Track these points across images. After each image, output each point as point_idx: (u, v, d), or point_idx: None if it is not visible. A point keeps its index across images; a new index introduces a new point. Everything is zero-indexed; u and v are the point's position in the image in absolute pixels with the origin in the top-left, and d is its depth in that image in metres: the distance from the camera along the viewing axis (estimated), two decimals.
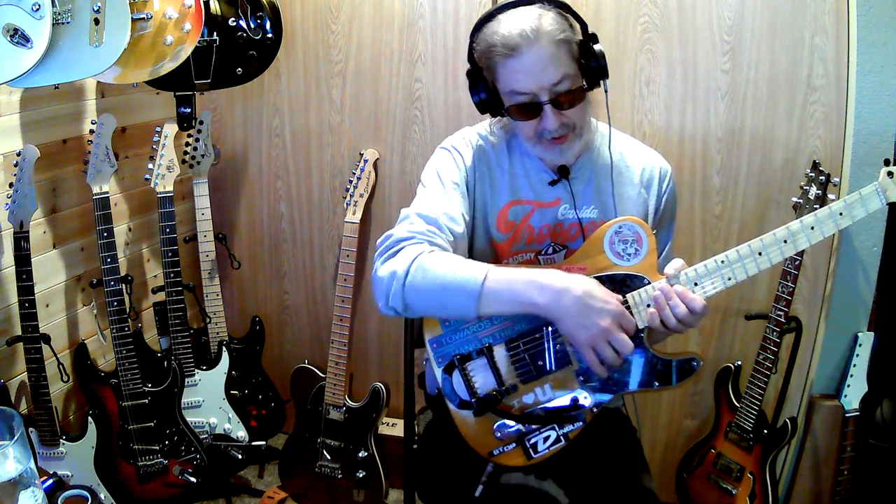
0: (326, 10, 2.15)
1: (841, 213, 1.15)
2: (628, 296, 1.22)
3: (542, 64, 1.19)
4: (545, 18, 1.19)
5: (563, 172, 1.33)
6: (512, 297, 1.14)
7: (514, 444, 1.25)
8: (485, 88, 1.28)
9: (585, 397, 1.24)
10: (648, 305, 1.21)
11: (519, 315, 1.24)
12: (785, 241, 1.17)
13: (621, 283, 1.23)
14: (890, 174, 1.13)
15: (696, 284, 1.20)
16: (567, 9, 1.23)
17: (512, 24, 1.19)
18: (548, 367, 1.25)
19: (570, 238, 1.36)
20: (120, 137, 2.05)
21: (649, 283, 1.22)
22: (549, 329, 1.25)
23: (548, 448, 1.24)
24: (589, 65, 1.23)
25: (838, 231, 1.85)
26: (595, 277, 1.24)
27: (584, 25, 1.24)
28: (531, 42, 1.17)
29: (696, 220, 1.98)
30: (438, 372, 1.29)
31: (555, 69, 1.19)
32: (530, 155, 1.35)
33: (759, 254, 1.18)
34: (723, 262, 1.19)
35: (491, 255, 1.37)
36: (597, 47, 1.22)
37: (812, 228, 1.16)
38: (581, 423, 1.24)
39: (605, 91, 1.26)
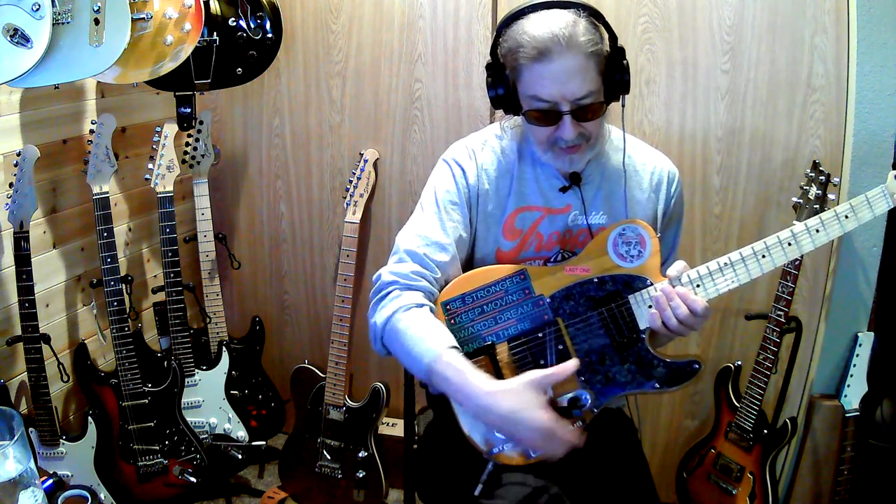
0: (326, 10, 2.15)
1: (846, 216, 1.14)
2: (630, 296, 1.23)
3: (569, 74, 1.15)
4: (579, 26, 1.15)
5: (574, 179, 1.32)
6: (448, 391, 1.17)
7: (513, 443, 1.25)
8: (503, 85, 1.24)
9: (585, 397, 1.24)
10: (650, 306, 1.21)
11: (522, 314, 1.26)
12: (789, 244, 1.17)
13: (624, 284, 1.24)
14: None
15: (698, 286, 1.20)
16: (600, 18, 1.19)
17: (544, 26, 1.14)
18: (549, 366, 1.25)
19: (580, 244, 1.35)
20: (120, 137, 2.05)
21: (651, 284, 1.23)
22: (551, 328, 1.25)
23: None
24: (613, 77, 1.20)
25: (844, 233, 1.86)
26: (598, 278, 1.24)
27: (613, 36, 1.21)
28: (562, 49, 1.13)
29: (696, 220, 1.98)
30: None
31: (581, 82, 1.16)
32: (541, 160, 1.34)
33: (763, 256, 1.18)
34: (725, 264, 1.19)
35: (496, 264, 1.36)
36: (624, 62, 1.20)
37: (817, 231, 1.16)
38: (581, 423, 1.24)
39: (623, 105, 1.24)
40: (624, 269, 1.24)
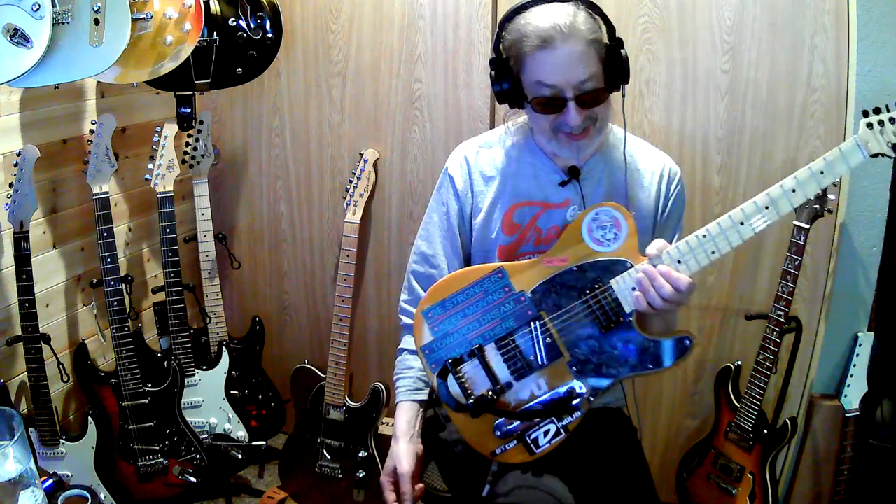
0: (326, 10, 2.15)
1: (822, 172, 1.10)
2: (612, 281, 1.21)
3: (572, 60, 1.18)
4: (579, 17, 1.19)
5: (573, 173, 1.33)
6: None
7: (515, 442, 1.25)
8: (508, 79, 1.26)
9: (581, 387, 1.23)
10: (633, 289, 1.19)
11: (505, 312, 1.27)
12: (766, 207, 1.14)
13: (604, 270, 1.21)
14: (869, 125, 1.08)
15: (679, 262, 1.17)
16: (597, 10, 1.23)
17: (546, 17, 1.19)
18: (540, 361, 1.25)
19: None
20: (120, 137, 2.05)
21: (632, 266, 1.20)
22: (538, 323, 1.25)
23: (549, 442, 1.24)
24: (613, 68, 1.22)
25: (837, 229, 1.85)
26: (577, 266, 1.23)
27: (611, 28, 1.23)
28: (565, 37, 1.17)
29: (696, 220, 1.98)
30: (434, 378, 1.29)
31: (584, 68, 1.19)
32: (541, 156, 1.35)
33: (741, 223, 1.15)
34: (704, 236, 1.16)
35: (496, 260, 1.37)
36: (622, 52, 1.22)
37: (794, 191, 1.12)
38: (579, 413, 1.24)
39: (623, 96, 1.26)
40: (602, 253, 1.22)
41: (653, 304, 1.17)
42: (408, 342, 1.46)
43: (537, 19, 1.19)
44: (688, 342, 1.20)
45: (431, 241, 1.43)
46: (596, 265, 1.22)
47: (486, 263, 1.34)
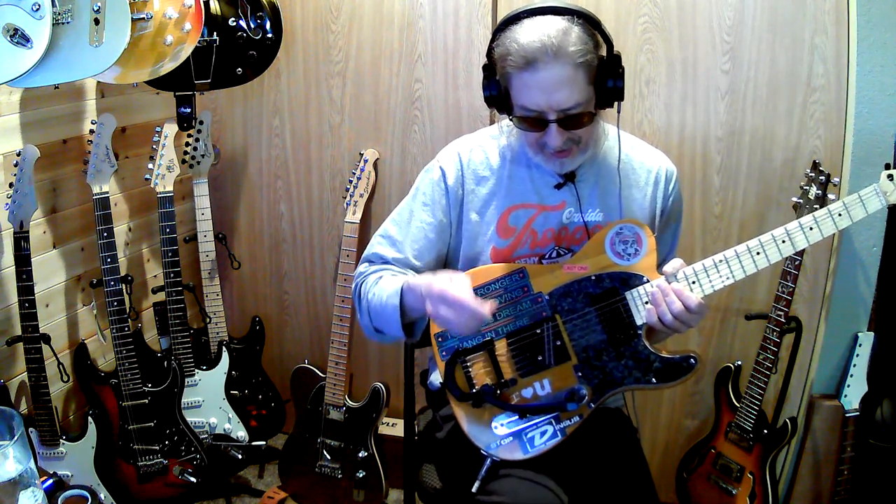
0: (326, 10, 2.15)
1: (839, 214, 1.16)
2: (627, 293, 1.24)
3: (556, 84, 1.15)
4: (571, 35, 1.14)
5: (568, 176, 1.33)
6: (417, 302, 1.23)
7: (511, 439, 1.26)
8: (496, 86, 1.25)
9: (583, 392, 1.25)
10: (647, 303, 1.23)
11: (521, 310, 1.27)
12: (783, 241, 1.19)
13: (621, 282, 1.25)
14: (890, 177, 1.14)
15: (693, 283, 1.21)
16: (596, 25, 1.19)
17: (534, 33, 1.14)
18: (547, 362, 1.27)
19: (576, 242, 1.36)
20: (120, 137, 2.05)
21: (648, 281, 1.24)
22: (550, 325, 1.26)
23: (544, 443, 1.25)
24: (606, 84, 1.19)
25: (838, 231, 1.86)
26: (596, 276, 1.26)
27: (609, 43, 1.20)
28: (550, 59, 1.13)
29: (696, 220, 1.98)
30: (442, 366, 1.30)
31: (568, 93, 1.15)
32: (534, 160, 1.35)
33: (757, 253, 1.19)
34: (720, 260, 1.21)
35: (486, 261, 1.37)
36: (619, 69, 1.19)
37: (811, 228, 1.18)
38: (578, 418, 1.25)
39: (618, 112, 1.24)
40: (621, 266, 1.26)
41: (662, 319, 1.20)
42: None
43: (525, 36, 1.15)
44: (693, 361, 1.23)
45: (402, 227, 1.39)
46: (614, 276, 1.26)
47: (481, 264, 1.35)
